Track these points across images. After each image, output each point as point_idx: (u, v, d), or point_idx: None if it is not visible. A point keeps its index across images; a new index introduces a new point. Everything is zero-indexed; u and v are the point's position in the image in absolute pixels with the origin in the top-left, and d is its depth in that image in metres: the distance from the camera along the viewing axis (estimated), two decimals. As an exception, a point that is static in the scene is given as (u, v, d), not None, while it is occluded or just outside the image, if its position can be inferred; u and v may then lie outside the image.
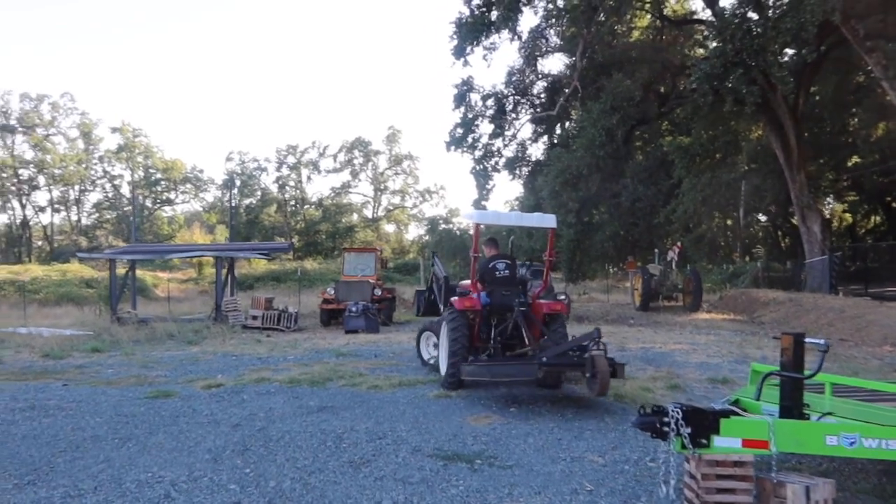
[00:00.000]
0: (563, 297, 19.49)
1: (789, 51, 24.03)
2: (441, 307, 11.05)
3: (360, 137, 76.63)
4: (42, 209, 76.69)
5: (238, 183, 72.69)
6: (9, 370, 10.94)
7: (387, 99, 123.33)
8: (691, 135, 32.19)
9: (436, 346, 10.49)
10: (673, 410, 4.41)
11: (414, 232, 79.63)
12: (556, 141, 34.39)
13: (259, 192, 75.72)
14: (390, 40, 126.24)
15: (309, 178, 77.67)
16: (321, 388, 9.20)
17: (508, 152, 34.48)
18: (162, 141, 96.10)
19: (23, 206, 74.94)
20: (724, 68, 19.01)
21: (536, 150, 36.65)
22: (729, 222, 40.39)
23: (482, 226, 10.00)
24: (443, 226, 33.24)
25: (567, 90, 30.68)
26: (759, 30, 18.93)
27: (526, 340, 8.91)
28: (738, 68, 18.81)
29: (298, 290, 28.35)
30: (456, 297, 9.35)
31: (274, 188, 76.66)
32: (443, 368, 9.30)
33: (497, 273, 9.55)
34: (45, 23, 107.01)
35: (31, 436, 6.66)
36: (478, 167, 32.90)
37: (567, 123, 34.24)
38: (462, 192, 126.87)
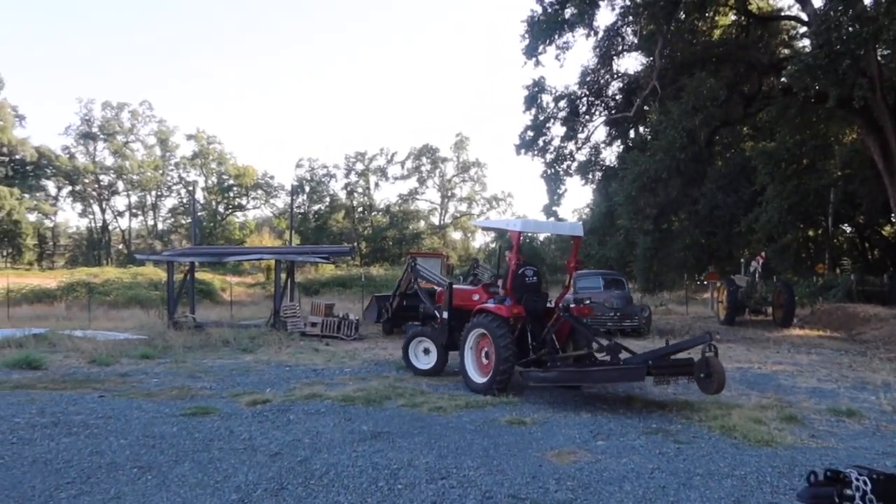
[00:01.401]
0: (644, 310, 18.09)
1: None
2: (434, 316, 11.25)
3: (428, 144, 76.30)
4: (121, 214, 78.98)
5: (307, 189, 73.07)
6: (50, 377, 10.26)
7: (455, 106, 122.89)
8: (775, 139, 30.10)
9: (426, 352, 10.93)
10: (858, 479, 3.11)
11: (481, 239, 78.54)
12: (631, 144, 32.75)
13: (328, 199, 76.04)
14: (459, 46, 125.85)
15: (377, 184, 77.68)
16: (377, 408, 8.12)
17: (581, 156, 32.98)
18: (234, 148, 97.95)
19: (103, 211, 77.32)
20: (829, 59, 17.21)
21: (610, 154, 35.02)
22: (811, 233, 37.78)
23: (522, 235, 10.01)
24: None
25: (645, 90, 29.09)
26: (870, 14, 17.06)
27: (556, 344, 9.45)
28: (844, 58, 16.98)
29: (362, 297, 27.53)
30: (493, 304, 9.54)
31: (342, 195, 76.88)
32: (473, 376, 9.48)
33: (526, 279, 9.93)
34: (126, 33, 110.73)
35: (43, 460, 5.78)
36: (549, 171, 31.50)
37: (643, 126, 32.60)
38: (530, 198, 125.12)
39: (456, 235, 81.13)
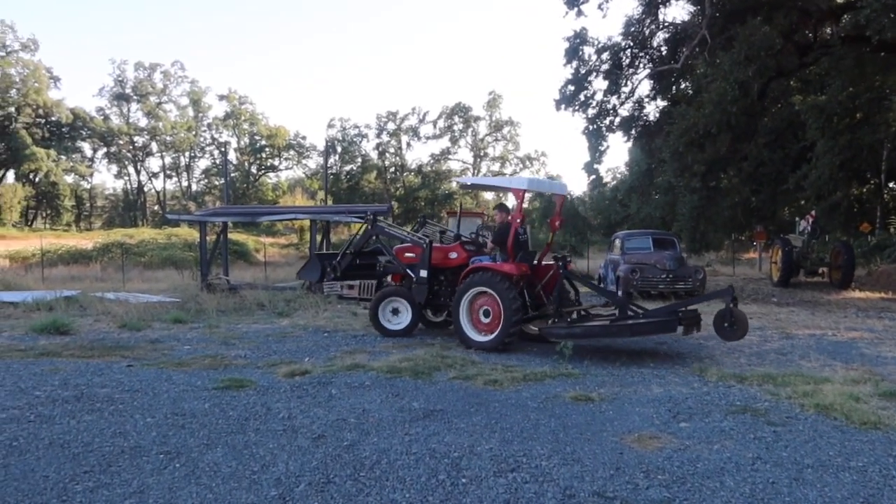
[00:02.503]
0: (699, 272, 17.10)
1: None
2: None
3: (461, 103, 74.84)
4: (155, 175, 79.33)
5: (339, 149, 72.34)
6: (78, 343, 9.72)
7: (487, 63, 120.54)
8: (826, 92, 28.48)
9: (396, 312, 10.60)
10: None
11: (512, 199, 77.30)
12: (676, 98, 31.27)
13: (359, 159, 75.31)
14: (490, 3, 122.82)
15: (409, 144, 76.69)
16: (426, 381, 7.40)
17: (624, 111, 31.65)
18: (266, 108, 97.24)
19: (138, 172, 77.67)
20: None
21: (653, 109, 33.54)
22: (858, 190, 35.99)
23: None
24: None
25: (693, 41, 27.57)
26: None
27: (544, 300, 9.96)
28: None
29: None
30: (495, 262, 9.74)
31: (374, 155, 76.09)
32: (472, 335, 9.57)
33: (519, 237, 10.03)
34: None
35: (61, 442, 5.16)
36: (590, 127, 30.28)
37: (689, 79, 31.07)
38: (564, 157, 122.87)
39: (489, 195, 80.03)
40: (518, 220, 9.93)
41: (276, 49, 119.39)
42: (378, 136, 75.32)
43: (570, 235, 29.63)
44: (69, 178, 73.89)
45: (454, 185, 76.69)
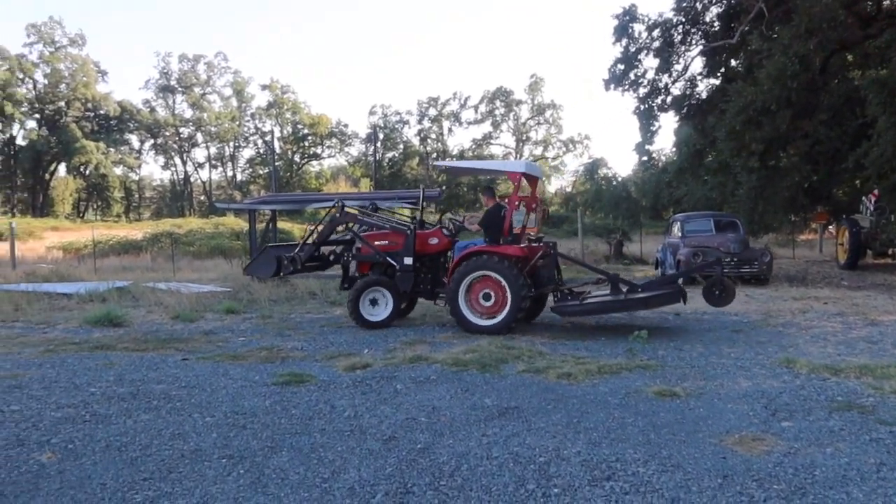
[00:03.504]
0: (765, 255, 16.32)
1: None
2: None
3: (502, 87, 74.05)
4: (201, 165, 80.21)
5: (381, 136, 72.17)
6: (132, 336, 9.52)
7: (529, 46, 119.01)
8: (888, 66, 27.05)
9: (374, 303, 10.11)
10: None
11: (556, 183, 76.42)
12: (729, 75, 30.09)
13: (401, 146, 75.13)
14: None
15: (450, 130, 76.25)
16: (495, 374, 6.96)
17: (675, 89, 30.62)
18: (308, 97, 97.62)
19: (184, 163, 78.65)
20: None
21: (706, 87, 32.36)
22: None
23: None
24: (605, 171, 29.87)
25: (749, 14, 26.47)
26: None
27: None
28: None
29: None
30: (497, 246, 9.74)
31: (416, 141, 75.78)
32: (475, 320, 9.51)
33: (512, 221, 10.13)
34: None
35: (117, 445, 4.85)
36: (641, 107, 29.37)
37: (744, 54, 29.86)
38: (608, 140, 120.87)
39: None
40: (516, 203, 10.13)
41: (318, 37, 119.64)
42: (419, 122, 75.13)
43: (622, 219, 28.80)
44: (118, 170, 75.18)
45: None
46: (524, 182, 10.73)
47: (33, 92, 68.99)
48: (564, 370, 7.02)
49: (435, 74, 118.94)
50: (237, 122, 77.42)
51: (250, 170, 79.58)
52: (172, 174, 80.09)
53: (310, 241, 10.86)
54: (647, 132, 29.36)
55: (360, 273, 10.57)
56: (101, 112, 71.03)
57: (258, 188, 74.74)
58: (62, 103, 68.49)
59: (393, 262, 10.15)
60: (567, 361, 7.49)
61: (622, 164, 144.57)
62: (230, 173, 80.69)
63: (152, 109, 75.12)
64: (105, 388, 6.46)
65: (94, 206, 76.97)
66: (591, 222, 34.18)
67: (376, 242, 10.31)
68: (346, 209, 10.77)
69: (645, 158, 30.04)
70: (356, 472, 4.30)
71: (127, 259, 27.80)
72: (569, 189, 71.51)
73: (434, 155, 76.82)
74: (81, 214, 72.71)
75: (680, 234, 17.50)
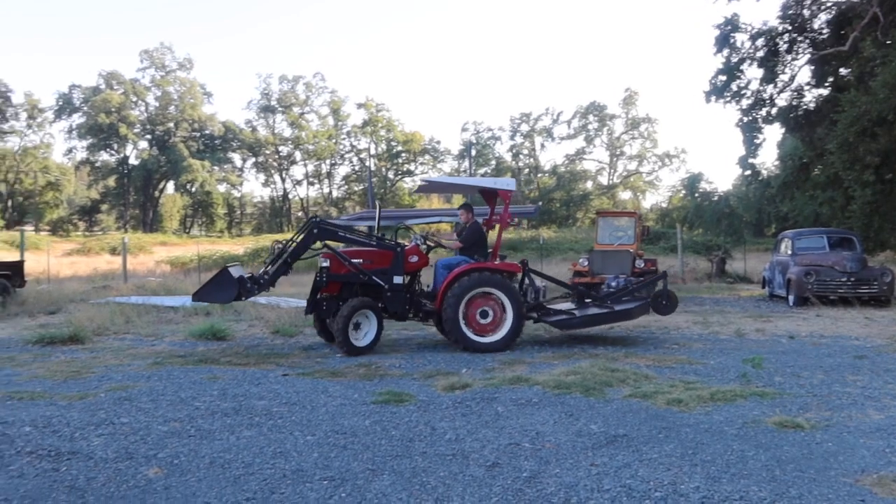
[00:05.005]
0: (886, 274, 15.22)
1: None
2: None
3: (595, 102, 72.94)
4: (299, 182, 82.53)
5: (473, 153, 72.46)
6: (233, 350, 9.71)
7: (623, 60, 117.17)
8: None
9: (357, 326, 9.34)
10: None
11: (651, 199, 74.54)
12: (838, 84, 28.51)
13: (493, 162, 75.18)
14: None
15: (542, 145, 75.90)
16: (600, 398, 6.65)
17: (781, 100, 29.28)
18: (402, 114, 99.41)
19: (283, 180, 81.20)
20: None
21: (813, 98, 30.76)
22: None
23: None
24: (704, 187, 28.79)
25: (862, 20, 25.05)
26: None
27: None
28: None
29: (540, 261, 26.08)
30: (489, 262, 9.88)
31: (508, 157, 75.68)
32: (476, 338, 9.50)
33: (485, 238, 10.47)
34: (297, 6, 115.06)
35: (221, 462, 4.85)
36: (745, 119, 28.24)
37: (856, 62, 28.24)
38: (707, 154, 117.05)
39: (625, 195, 77.63)
40: (508, 221, 10.64)
41: (411, 56, 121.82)
42: (511, 137, 75.05)
43: (723, 235, 27.63)
44: (221, 188, 78.49)
45: (589, 185, 74.90)
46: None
47: (145, 114, 73.06)
48: (674, 396, 6.63)
49: (527, 90, 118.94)
50: (334, 141, 79.43)
51: (346, 186, 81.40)
52: (272, 191, 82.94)
53: (280, 259, 9.78)
54: (752, 145, 28.19)
55: (326, 294, 9.70)
56: (207, 132, 74.39)
57: (353, 204, 76.37)
58: (171, 124, 72.18)
59: (380, 281, 9.61)
60: (676, 386, 7.09)
61: (722, 178, 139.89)
62: (326, 190, 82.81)
63: (254, 129, 78.06)
64: (209, 403, 6.54)
65: (199, 222, 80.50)
66: (689, 239, 32.98)
67: (359, 261, 9.69)
68: (324, 226, 10.09)
69: (748, 172, 28.79)
70: (460, 501, 4.12)
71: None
72: (664, 204, 69.68)
73: (527, 170, 76.50)
74: (187, 230, 76.19)
75: (790, 252, 16.59)
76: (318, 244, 9.96)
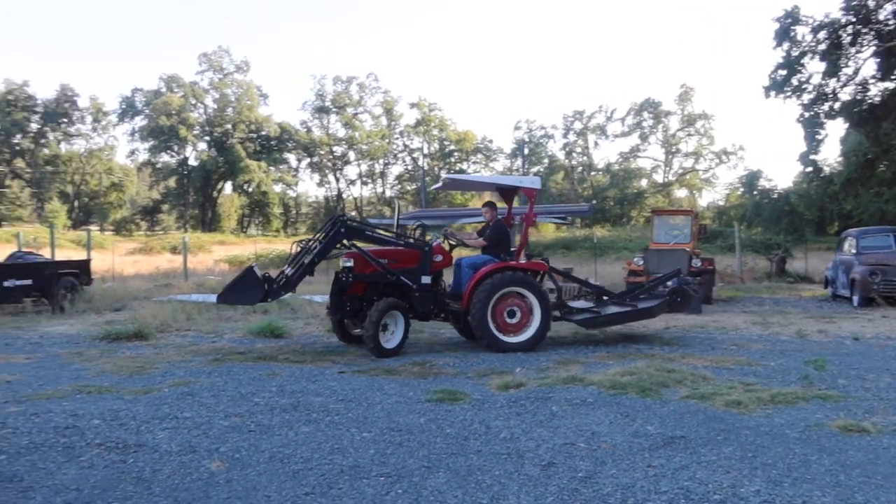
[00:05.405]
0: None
1: None
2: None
3: (650, 98, 71.67)
4: (352, 182, 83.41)
5: (526, 151, 72.12)
6: (291, 348, 9.89)
7: (678, 56, 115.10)
8: None
9: (385, 328, 9.10)
10: None
11: (707, 197, 72.98)
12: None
13: (546, 160, 74.72)
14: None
15: (596, 143, 74.95)
16: (656, 399, 6.57)
17: (845, 94, 28.31)
18: (454, 114, 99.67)
19: (337, 180, 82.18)
20: None
21: (881, 90, 29.62)
22: None
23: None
24: (763, 184, 28.01)
25: (932, 9, 24.10)
26: None
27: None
28: None
29: (594, 260, 25.84)
30: (515, 262, 9.91)
31: (561, 155, 75.13)
32: (504, 338, 9.41)
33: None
34: (349, 7, 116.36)
35: (280, 456, 4.96)
36: (806, 114, 27.41)
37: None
38: (766, 150, 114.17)
39: (681, 193, 76.22)
40: (533, 219, 10.85)
41: (464, 55, 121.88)
42: (564, 136, 74.38)
43: (783, 234, 26.90)
44: (277, 188, 79.88)
45: (644, 183, 73.75)
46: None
47: (204, 116, 74.83)
48: (733, 398, 6.51)
49: (581, 88, 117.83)
50: (387, 140, 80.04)
51: (399, 186, 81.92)
52: (326, 191, 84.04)
53: (306, 259, 9.44)
54: (813, 141, 27.33)
55: (351, 294, 9.47)
56: (263, 133, 75.78)
57: (406, 203, 76.83)
58: (229, 126, 73.74)
59: (407, 281, 9.43)
60: (735, 388, 6.95)
61: (782, 175, 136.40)
62: (380, 189, 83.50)
63: (308, 129, 79.20)
64: (268, 399, 6.70)
65: (256, 222, 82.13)
66: (748, 237, 32.20)
67: (386, 260, 9.48)
68: (351, 224, 9.83)
69: (810, 169, 27.95)
70: (515, 499, 4.13)
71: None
72: (721, 202, 68.16)
73: (580, 169, 75.81)
74: (244, 229, 77.79)
75: (854, 251, 16.06)
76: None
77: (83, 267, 16.71)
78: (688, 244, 16.87)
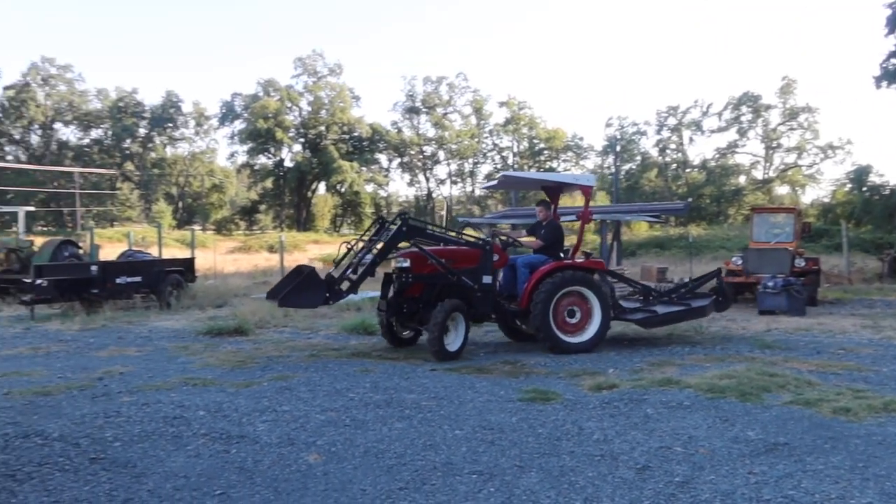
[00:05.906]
0: None
1: None
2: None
3: (749, 92, 68.69)
4: (442, 182, 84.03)
5: (618, 148, 70.74)
6: (383, 345, 10.03)
7: (778, 46, 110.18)
8: None
9: (447, 330, 8.83)
10: None
11: (812, 194, 69.47)
12: None
13: (639, 157, 73.06)
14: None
15: (691, 139, 72.48)
16: (757, 404, 6.33)
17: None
18: (544, 111, 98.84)
19: (427, 180, 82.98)
20: None
21: None
22: None
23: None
24: (873, 180, 26.53)
25: None
26: None
27: None
28: None
29: (689, 259, 25.09)
30: (578, 260, 9.93)
31: (654, 152, 73.27)
32: (565, 338, 9.26)
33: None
34: (439, 8, 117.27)
35: (375, 451, 5.06)
36: (922, 104, 25.79)
37: None
38: (876, 144, 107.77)
39: (782, 190, 72.85)
40: (589, 217, 10.60)
41: (554, 52, 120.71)
42: (658, 132, 72.42)
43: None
44: (369, 188, 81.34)
45: (742, 180, 71.00)
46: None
47: (299, 118, 76.99)
48: (841, 404, 6.19)
49: (675, 82, 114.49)
50: (476, 139, 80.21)
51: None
52: (417, 190, 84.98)
53: (367, 259, 9.39)
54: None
55: (403, 295, 9.34)
56: (355, 134, 77.33)
57: (495, 203, 76.75)
58: (322, 128, 75.62)
59: (469, 281, 9.18)
60: (843, 394, 6.62)
61: (893, 170, 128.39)
62: (469, 189, 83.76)
63: (399, 130, 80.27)
64: (362, 395, 6.84)
65: (348, 221, 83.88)
66: (856, 236, 30.57)
67: (448, 260, 9.29)
68: (413, 223, 9.61)
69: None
70: (610, 502, 4.07)
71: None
72: (827, 199, 64.82)
73: (674, 166, 73.77)
74: (338, 228, 79.60)
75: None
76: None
77: (188, 265, 17.52)
78: (790, 243, 16.14)
